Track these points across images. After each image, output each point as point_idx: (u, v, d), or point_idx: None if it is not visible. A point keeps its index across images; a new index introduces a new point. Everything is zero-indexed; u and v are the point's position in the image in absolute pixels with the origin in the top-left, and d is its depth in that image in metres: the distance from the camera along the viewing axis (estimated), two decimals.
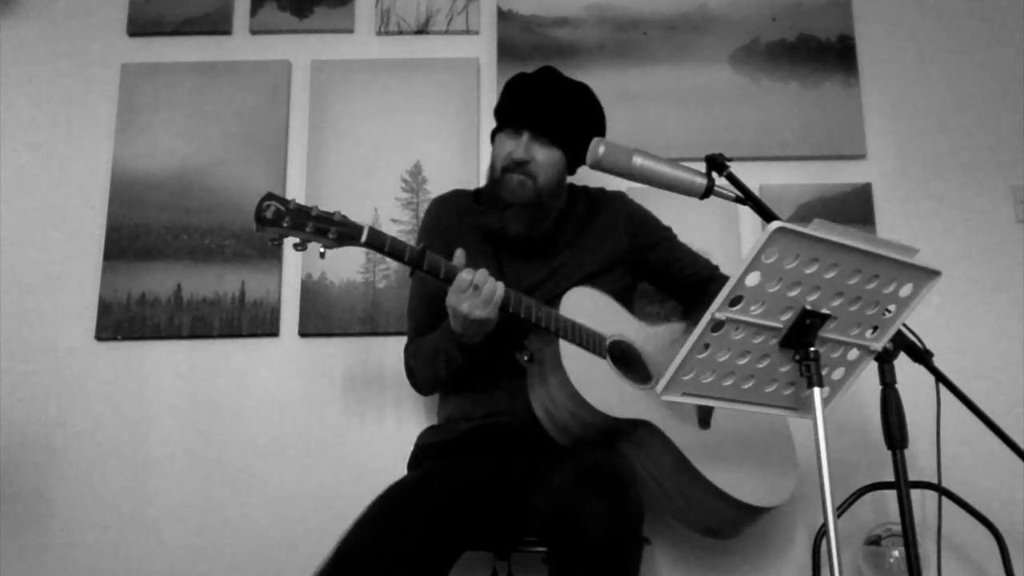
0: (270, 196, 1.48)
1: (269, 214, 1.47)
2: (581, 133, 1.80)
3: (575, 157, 1.85)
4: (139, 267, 2.21)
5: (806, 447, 1.76)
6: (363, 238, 1.52)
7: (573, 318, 1.65)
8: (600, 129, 1.89)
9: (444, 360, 1.70)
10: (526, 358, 1.67)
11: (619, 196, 2.00)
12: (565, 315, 1.65)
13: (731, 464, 1.68)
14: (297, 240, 1.50)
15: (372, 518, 1.48)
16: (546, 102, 1.82)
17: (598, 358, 1.67)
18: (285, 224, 1.47)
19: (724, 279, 1.91)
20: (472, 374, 1.72)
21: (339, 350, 2.18)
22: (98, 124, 2.33)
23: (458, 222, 1.88)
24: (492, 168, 1.85)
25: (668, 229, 1.99)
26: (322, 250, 1.51)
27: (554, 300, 1.69)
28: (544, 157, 1.80)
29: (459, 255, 1.59)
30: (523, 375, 1.67)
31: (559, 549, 1.42)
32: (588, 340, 1.66)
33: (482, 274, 1.56)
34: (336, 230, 1.51)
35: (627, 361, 1.74)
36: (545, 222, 1.83)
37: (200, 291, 2.20)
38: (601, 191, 2.00)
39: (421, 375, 1.82)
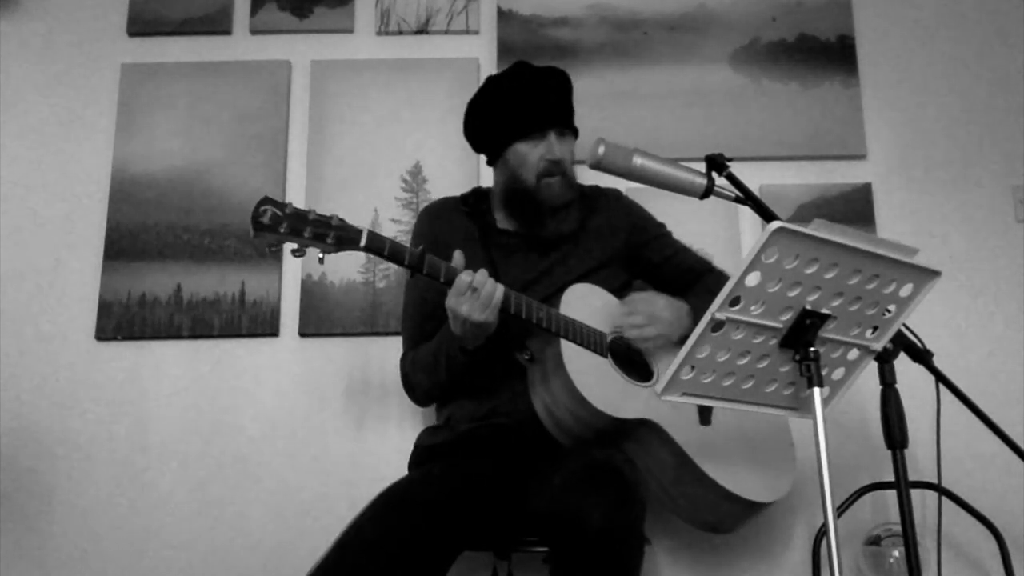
0: (266, 200, 1.44)
1: (266, 219, 1.43)
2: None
3: None
4: (139, 267, 2.21)
5: (806, 447, 1.76)
6: (362, 242, 1.49)
7: (573, 316, 1.65)
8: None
9: (446, 364, 1.69)
10: (527, 358, 1.66)
11: (614, 193, 2.00)
12: (566, 313, 1.65)
13: (731, 460, 1.69)
14: (295, 246, 1.46)
15: (371, 517, 1.47)
16: (557, 96, 1.83)
17: (599, 357, 1.67)
18: (283, 230, 1.43)
19: (720, 274, 1.93)
20: (472, 375, 1.71)
21: (339, 350, 2.18)
22: (98, 124, 2.33)
23: (449, 227, 1.87)
24: (517, 179, 1.81)
25: (663, 225, 1.99)
26: (320, 256, 1.47)
27: (550, 298, 1.69)
28: (567, 152, 1.83)
29: (458, 257, 1.58)
30: (523, 375, 1.67)
31: (560, 548, 1.42)
32: (589, 339, 1.66)
33: (481, 276, 1.55)
34: (334, 234, 1.47)
35: (628, 358, 1.74)
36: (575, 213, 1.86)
37: (200, 291, 2.20)
38: (595, 188, 2.00)
39: (420, 385, 1.80)
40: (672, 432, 1.64)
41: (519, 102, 1.82)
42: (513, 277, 1.72)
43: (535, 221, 1.83)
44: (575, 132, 1.88)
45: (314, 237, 1.46)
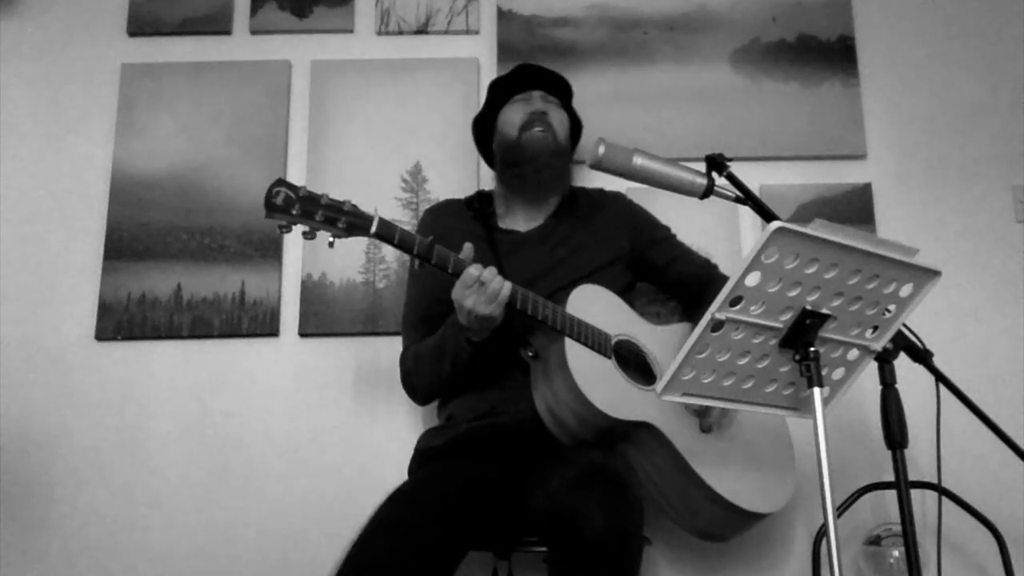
0: (280, 182, 1.46)
1: (279, 200, 1.45)
2: (571, 113, 1.99)
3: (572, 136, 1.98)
4: (139, 267, 2.21)
5: (806, 447, 1.76)
6: (373, 228, 1.50)
7: (579, 316, 1.65)
8: (576, 121, 2.03)
9: (451, 356, 1.69)
10: (531, 354, 1.66)
11: (619, 196, 2.00)
12: (572, 312, 1.64)
13: (731, 469, 1.68)
14: (306, 228, 1.48)
15: (376, 526, 1.46)
16: (547, 71, 1.95)
17: (603, 357, 1.66)
18: (295, 212, 1.45)
19: (724, 278, 1.93)
20: (476, 368, 1.71)
21: (339, 350, 2.18)
22: (98, 124, 2.33)
23: (454, 226, 1.87)
24: (504, 137, 1.91)
25: (668, 229, 2.00)
26: (331, 240, 1.49)
27: (552, 296, 1.69)
28: (556, 116, 1.91)
29: (468, 249, 1.59)
30: (525, 372, 1.67)
31: (559, 549, 1.42)
32: (594, 339, 1.66)
33: (490, 272, 1.56)
34: (346, 219, 1.49)
35: (632, 361, 1.74)
36: (565, 180, 1.95)
37: (200, 291, 2.20)
38: (600, 191, 2.01)
39: (422, 379, 1.80)
40: (672, 437, 1.63)
41: (505, 80, 1.97)
42: (516, 275, 1.72)
43: (519, 176, 1.88)
44: (568, 110, 1.97)
45: (326, 221, 1.48)
